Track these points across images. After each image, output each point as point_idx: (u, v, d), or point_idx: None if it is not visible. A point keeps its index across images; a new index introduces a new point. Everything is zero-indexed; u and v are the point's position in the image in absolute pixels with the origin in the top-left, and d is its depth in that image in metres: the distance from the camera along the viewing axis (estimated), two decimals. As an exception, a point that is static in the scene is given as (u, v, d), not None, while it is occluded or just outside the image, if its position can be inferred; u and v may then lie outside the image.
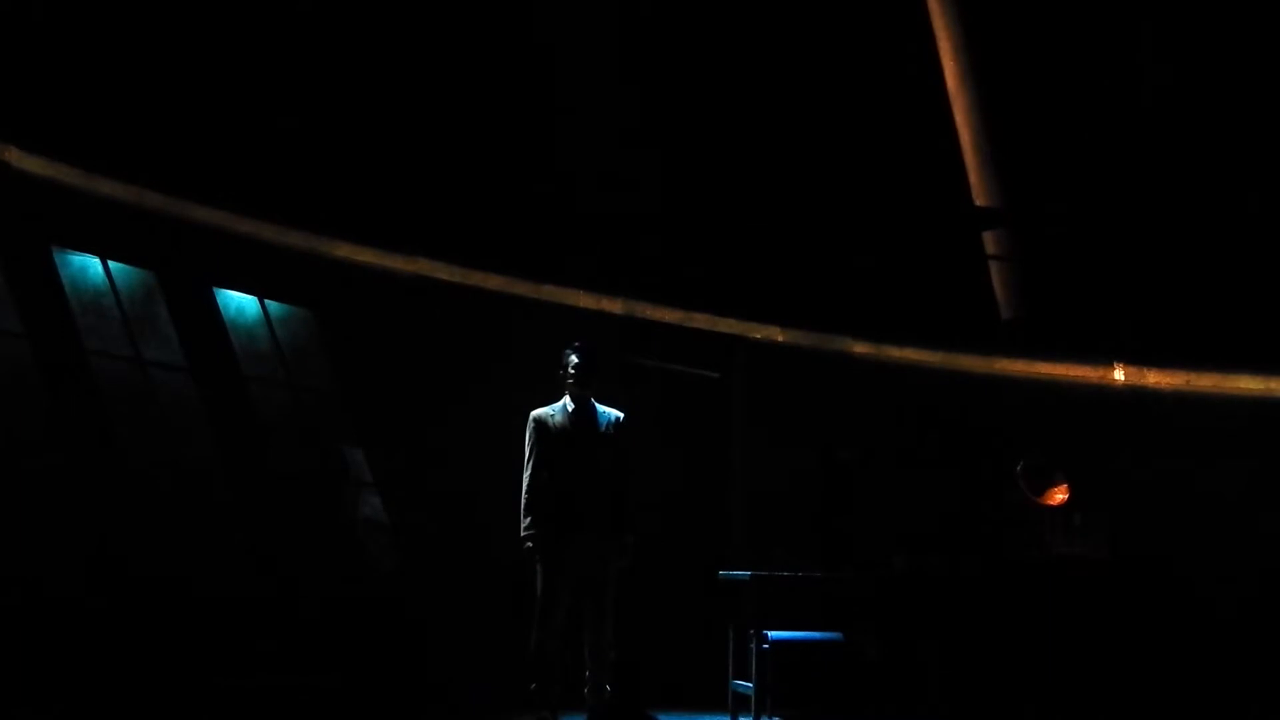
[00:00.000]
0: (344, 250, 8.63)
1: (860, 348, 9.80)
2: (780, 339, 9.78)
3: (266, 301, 8.62)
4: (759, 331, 9.75)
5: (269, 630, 7.67)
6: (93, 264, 7.94)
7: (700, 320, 9.64)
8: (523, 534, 7.03)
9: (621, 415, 7.23)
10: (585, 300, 9.31)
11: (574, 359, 7.15)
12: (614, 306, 9.41)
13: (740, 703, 7.93)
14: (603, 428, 7.17)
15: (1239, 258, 9.26)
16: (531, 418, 7.18)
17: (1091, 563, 8.26)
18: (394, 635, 7.99)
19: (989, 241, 9.89)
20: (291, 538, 8.06)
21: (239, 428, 8.32)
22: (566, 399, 7.18)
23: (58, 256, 7.75)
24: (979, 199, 9.80)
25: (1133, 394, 9.49)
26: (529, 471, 7.10)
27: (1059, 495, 8.31)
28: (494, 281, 9.02)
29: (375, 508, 8.68)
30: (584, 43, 9.14)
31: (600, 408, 7.20)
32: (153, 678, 7.13)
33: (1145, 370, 9.48)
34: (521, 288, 9.11)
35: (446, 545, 8.47)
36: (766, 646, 7.69)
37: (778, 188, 9.52)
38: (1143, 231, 9.48)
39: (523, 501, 7.06)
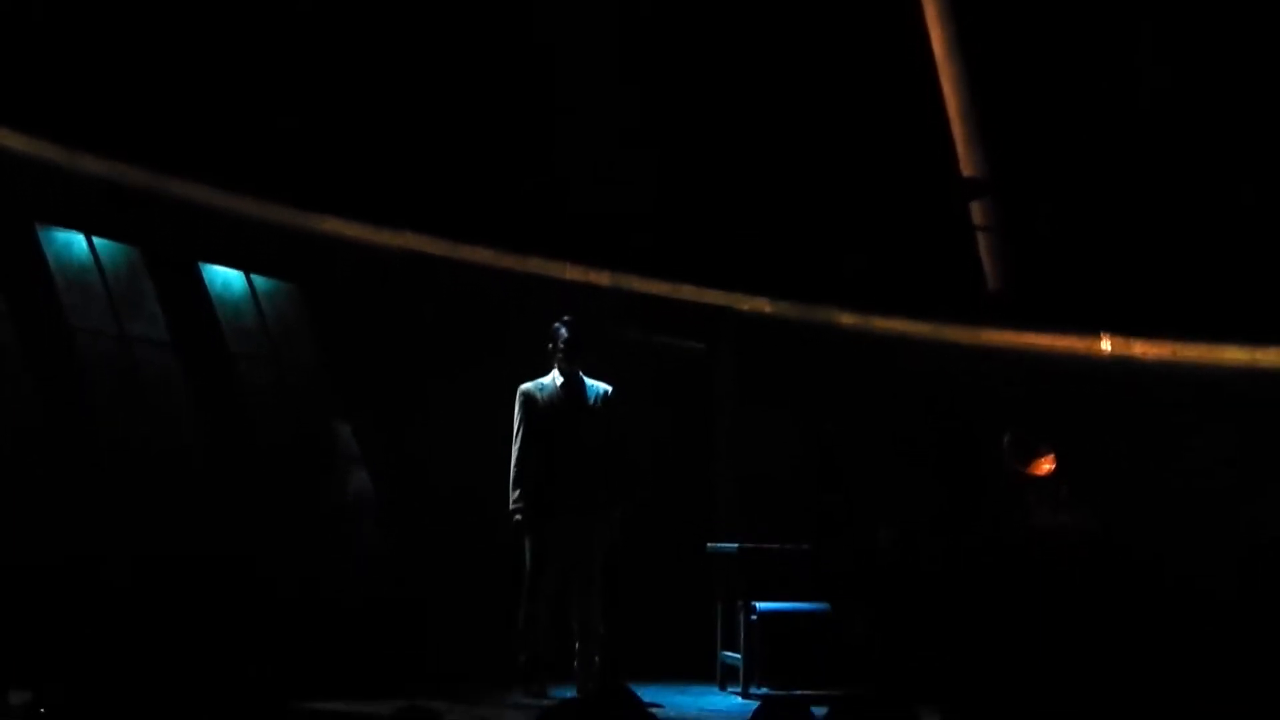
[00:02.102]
0: (330, 225, 8.63)
1: (847, 319, 9.83)
2: (767, 310, 9.82)
3: (253, 277, 8.65)
4: (746, 303, 9.80)
5: (255, 610, 7.71)
6: (77, 240, 7.94)
7: (687, 291, 9.67)
8: (511, 507, 7.17)
9: (610, 389, 7.34)
10: (573, 273, 9.34)
11: (563, 333, 7.25)
12: (601, 279, 9.43)
13: (729, 673, 8.07)
14: (591, 401, 7.28)
15: (1228, 228, 9.27)
16: (520, 391, 7.29)
17: (1079, 533, 8.35)
18: (385, 614, 8.08)
19: (976, 212, 9.94)
20: (278, 514, 8.12)
21: (225, 404, 8.37)
22: (555, 373, 7.29)
23: (41, 234, 7.75)
24: (966, 169, 9.84)
25: (1119, 364, 9.54)
26: (517, 445, 7.22)
27: (1046, 466, 8.35)
28: (481, 255, 9.04)
29: (364, 483, 8.76)
30: (570, 7, 9.14)
31: (589, 381, 7.31)
32: (129, 659, 7.02)
33: (1131, 340, 9.53)
34: (508, 260, 9.11)
35: (436, 519, 8.54)
36: (754, 618, 7.83)
37: (765, 158, 9.53)
38: (1131, 201, 9.50)
39: (511, 475, 7.18)
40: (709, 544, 8.32)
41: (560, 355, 7.28)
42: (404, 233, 8.85)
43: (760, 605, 7.87)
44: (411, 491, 8.69)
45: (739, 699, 7.77)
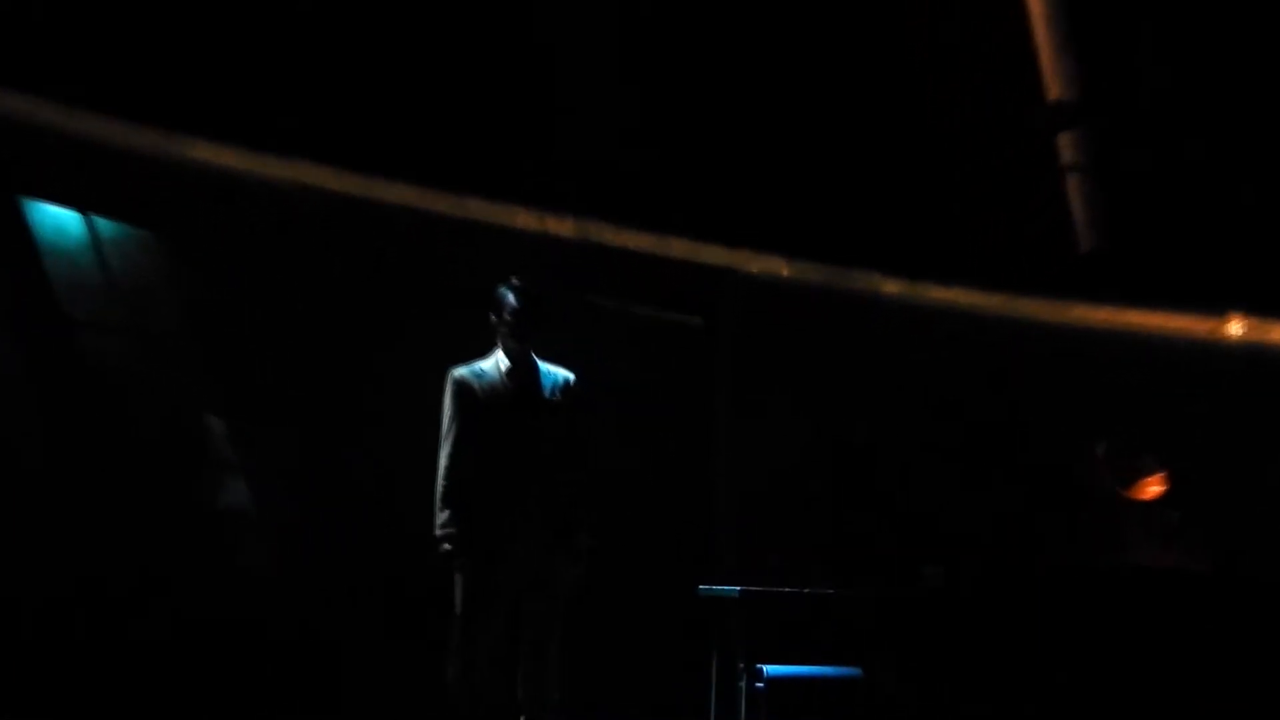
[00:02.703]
0: (200, 151, 8.64)
1: (891, 286, 9.94)
2: (785, 274, 9.91)
3: (95, 219, 8.66)
4: (756, 263, 9.88)
5: (101, 641, 7.83)
6: None
7: (678, 247, 9.72)
8: (438, 533, 7.09)
9: (572, 377, 7.32)
10: (526, 220, 9.38)
11: (510, 300, 7.22)
12: (564, 229, 9.47)
13: None
14: (547, 393, 7.25)
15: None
16: (451, 379, 7.22)
17: (1191, 576, 8.44)
18: (266, 652, 8.16)
19: (1065, 147, 10.01)
20: (132, 527, 8.22)
21: (59, 386, 8.41)
22: (500, 354, 7.24)
23: None
24: (1053, 90, 9.89)
25: (1252, 353, 9.70)
26: (447, 449, 7.16)
27: (1152, 486, 8.55)
28: (402, 194, 9.05)
29: (243, 495, 8.84)
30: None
31: (545, 366, 7.30)
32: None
33: (1270, 323, 9.72)
34: (440, 203, 9.15)
35: (338, 538, 8.62)
36: (761, 685, 7.87)
37: (783, 64, 9.61)
38: (1272, 132, 9.59)
39: (438, 490, 7.13)
40: (702, 585, 8.32)
41: (506, 331, 7.20)
42: (299, 163, 8.85)
43: (769, 669, 7.93)
44: (307, 503, 8.76)
45: (738, 794, 7.90)
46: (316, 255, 8.94)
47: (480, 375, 7.25)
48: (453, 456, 7.18)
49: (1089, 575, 8.17)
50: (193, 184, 8.63)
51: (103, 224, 8.73)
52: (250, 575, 8.69)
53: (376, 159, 8.99)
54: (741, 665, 8.00)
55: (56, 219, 8.61)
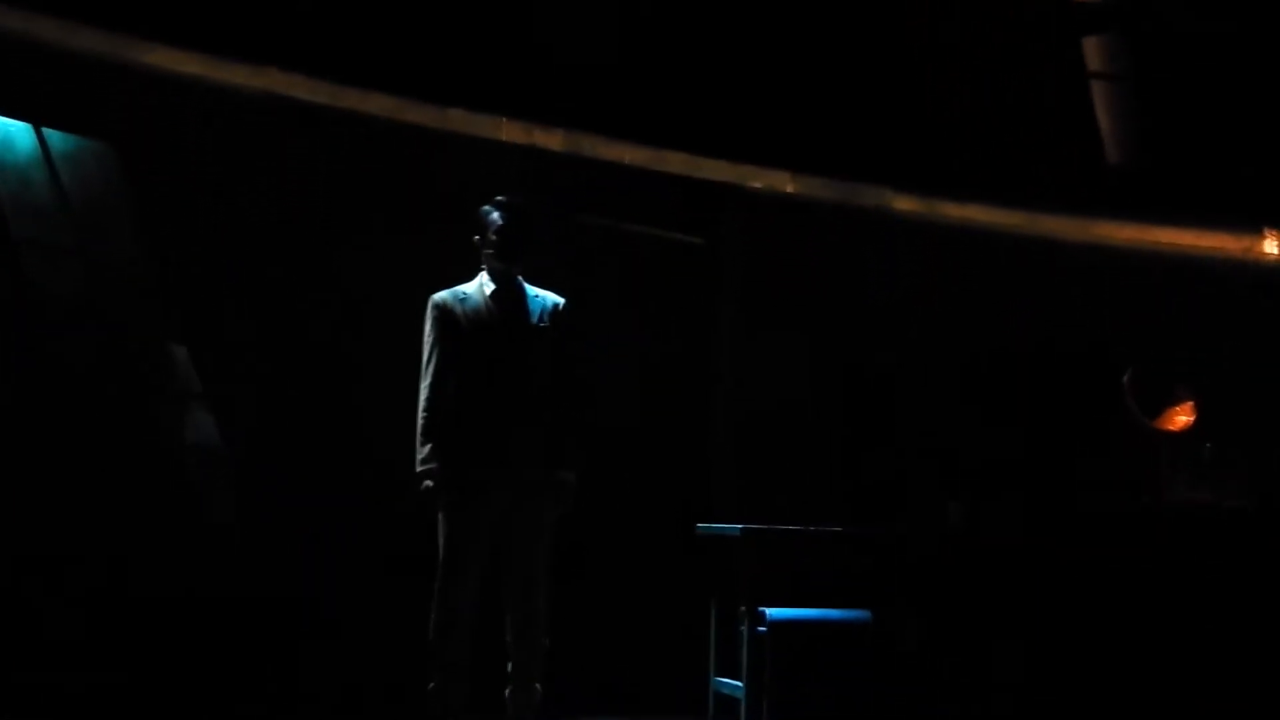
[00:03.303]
0: (158, 56, 8.54)
1: (905, 203, 9.89)
2: (790, 190, 9.83)
3: (45, 130, 8.50)
4: (760, 178, 9.79)
5: (56, 603, 7.73)
6: None
7: (676, 162, 9.67)
8: (419, 468, 7.06)
9: (562, 301, 7.25)
10: (511, 132, 9.33)
11: (496, 219, 7.15)
12: (552, 141, 9.41)
13: (725, 708, 8.11)
14: (535, 318, 7.19)
15: None
16: (432, 303, 7.18)
17: (1227, 513, 8.39)
18: (241, 616, 8.07)
19: (1091, 52, 9.95)
20: (84, 475, 8.07)
21: (4, 315, 8.23)
22: (484, 276, 7.19)
23: None
24: (1077, -11, 9.84)
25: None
26: (429, 380, 7.13)
27: (1182, 417, 8.64)
28: (378, 104, 9.01)
29: (209, 431, 8.71)
30: None
31: (532, 290, 7.23)
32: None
33: (1310, 241, 9.61)
34: (418, 114, 9.10)
35: (315, 486, 8.54)
36: (764, 629, 7.86)
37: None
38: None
39: (419, 422, 7.09)
40: (701, 524, 8.30)
41: (491, 252, 7.14)
42: (267, 69, 8.78)
43: (771, 612, 7.88)
44: (279, 446, 8.64)
45: (738, 746, 7.87)
46: (286, 172, 8.82)
47: (463, 299, 7.19)
48: (433, 387, 7.13)
49: (1122, 512, 8.18)
50: (150, 93, 8.53)
51: (53, 136, 8.57)
52: (214, 526, 8.60)
53: (351, 66, 8.92)
54: (743, 609, 7.96)
55: (4, 131, 8.43)
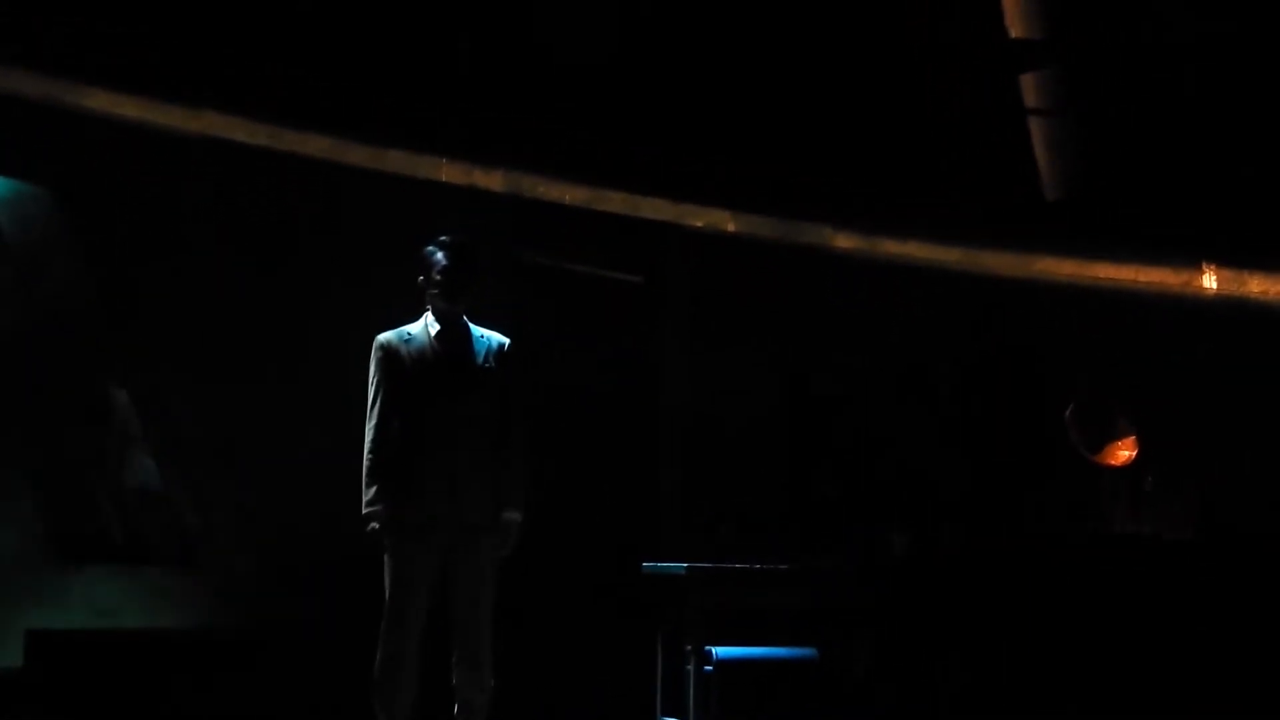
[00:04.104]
0: (98, 100, 8.55)
1: (845, 240, 9.92)
2: (731, 228, 9.88)
3: None
4: (700, 217, 9.84)
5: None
6: None
7: (616, 201, 9.70)
8: (364, 510, 7.07)
9: (508, 341, 7.29)
10: (451, 173, 9.35)
11: (440, 259, 7.18)
12: (492, 182, 9.43)
13: None
14: (481, 359, 7.23)
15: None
16: (376, 344, 7.20)
17: (1169, 543, 8.45)
18: (175, 654, 8.09)
19: (1029, 88, 9.96)
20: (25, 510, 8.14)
21: None
22: (429, 316, 7.23)
23: None
24: (1014, 27, 9.82)
25: (1229, 306, 9.69)
26: (374, 421, 7.14)
27: (1124, 450, 8.62)
28: (317, 145, 9.00)
29: (150, 473, 8.71)
30: None
31: (477, 330, 7.26)
32: None
33: (1246, 275, 9.69)
34: (358, 155, 9.10)
35: (257, 525, 8.57)
36: (710, 669, 7.88)
37: (728, 8, 9.55)
38: (1256, 73, 9.51)
39: (364, 464, 7.10)
40: (646, 562, 8.34)
41: (436, 292, 7.18)
42: (205, 112, 8.78)
43: (718, 651, 7.92)
44: (221, 488, 8.67)
45: (683, 785, 7.90)
46: (226, 214, 8.82)
47: (408, 340, 7.21)
48: (378, 428, 7.15)
49: (1061, 545, 8.22)
50: (90, 136, 8.52)
51: (-6, 181, 8.64)
52: (156, 554, 8.60)
53: (290, 108, 8.93)
54: (689, 647, 7.98)
55: (-57, 175, 8.49)
